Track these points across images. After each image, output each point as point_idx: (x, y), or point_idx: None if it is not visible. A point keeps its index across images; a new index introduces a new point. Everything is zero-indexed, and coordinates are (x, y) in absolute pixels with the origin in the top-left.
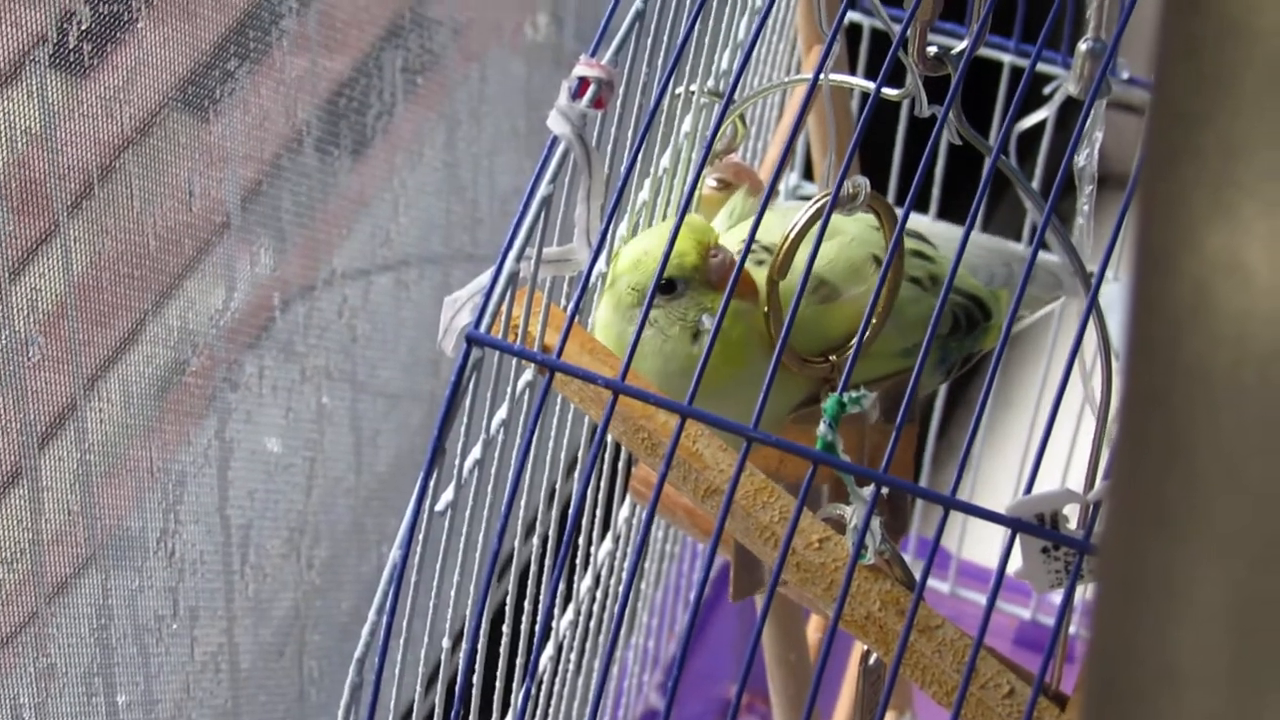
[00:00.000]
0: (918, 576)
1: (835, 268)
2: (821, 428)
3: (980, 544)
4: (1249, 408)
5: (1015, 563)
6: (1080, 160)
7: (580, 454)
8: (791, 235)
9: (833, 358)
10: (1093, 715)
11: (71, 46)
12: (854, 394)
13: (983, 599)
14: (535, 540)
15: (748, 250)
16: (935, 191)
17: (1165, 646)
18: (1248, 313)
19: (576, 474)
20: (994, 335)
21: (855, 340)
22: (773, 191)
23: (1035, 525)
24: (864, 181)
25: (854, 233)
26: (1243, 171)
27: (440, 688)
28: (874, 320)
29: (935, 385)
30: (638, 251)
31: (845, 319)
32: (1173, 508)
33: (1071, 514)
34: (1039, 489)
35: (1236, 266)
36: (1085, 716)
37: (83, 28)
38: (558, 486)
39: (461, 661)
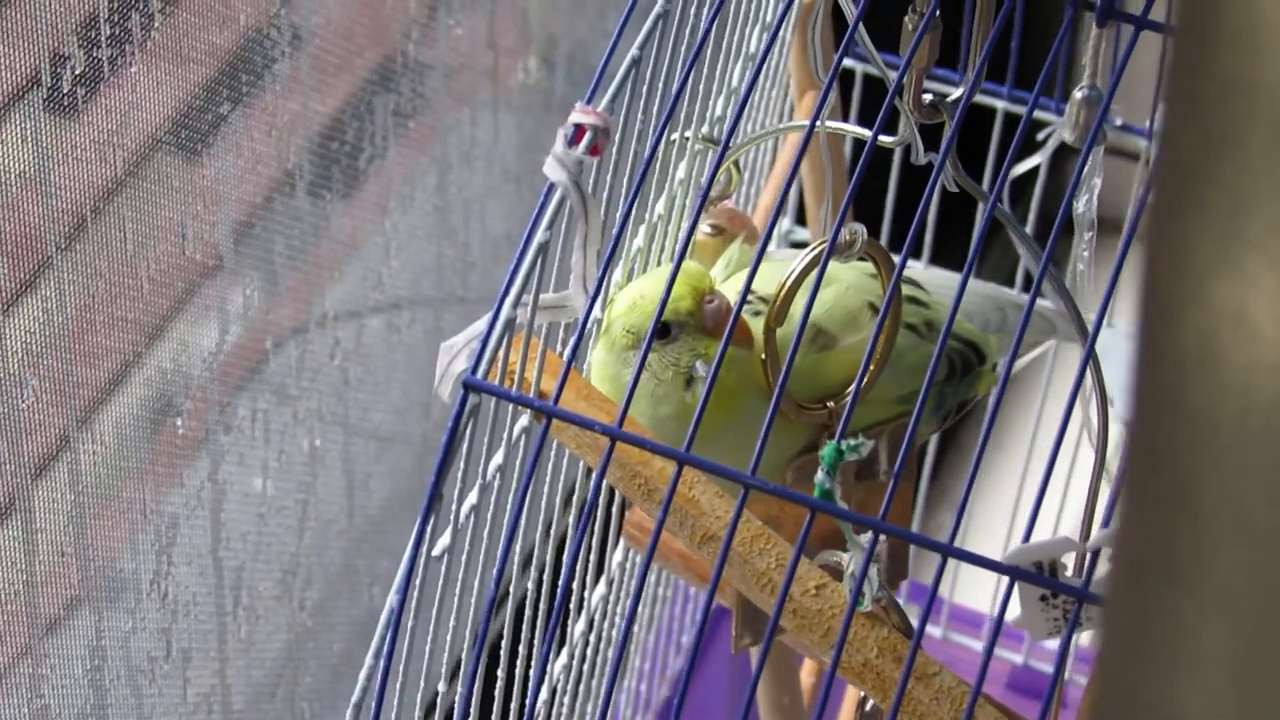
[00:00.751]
0: (914, 622)
1: (832, 315)
2: (819, 475)
3: (972, 589)
4: (1255, 457)
5: (1013, 610)
6: (1079, 206)
7: (575, 496)
8: (789, 282)
9: (830, 404)
10: None
11: (64, 89)
12: (852, 441)
13: (975, 644)
14: (530, 584)
15: (744, 297)
16: (928, 238)
17: (1172, 697)
18: (1253, 364)
19: (572, 518)
20: (988, 380)
21: (853, 387)
22: (769, 239)
23: (1033, 573)
24: (860, 229)
25: (850, 280)
26: (1249, 225)
27: None
28: (871, 367)
29: (931, 432)
30: (633, 295)
31: (842, 366)
32: (1179, 557)
33: (1069, 561)
34: (1036, 537)
35: (1243, 318)
36: None
37: (76, 71)
38: (554, 522)
39: (457, 706)
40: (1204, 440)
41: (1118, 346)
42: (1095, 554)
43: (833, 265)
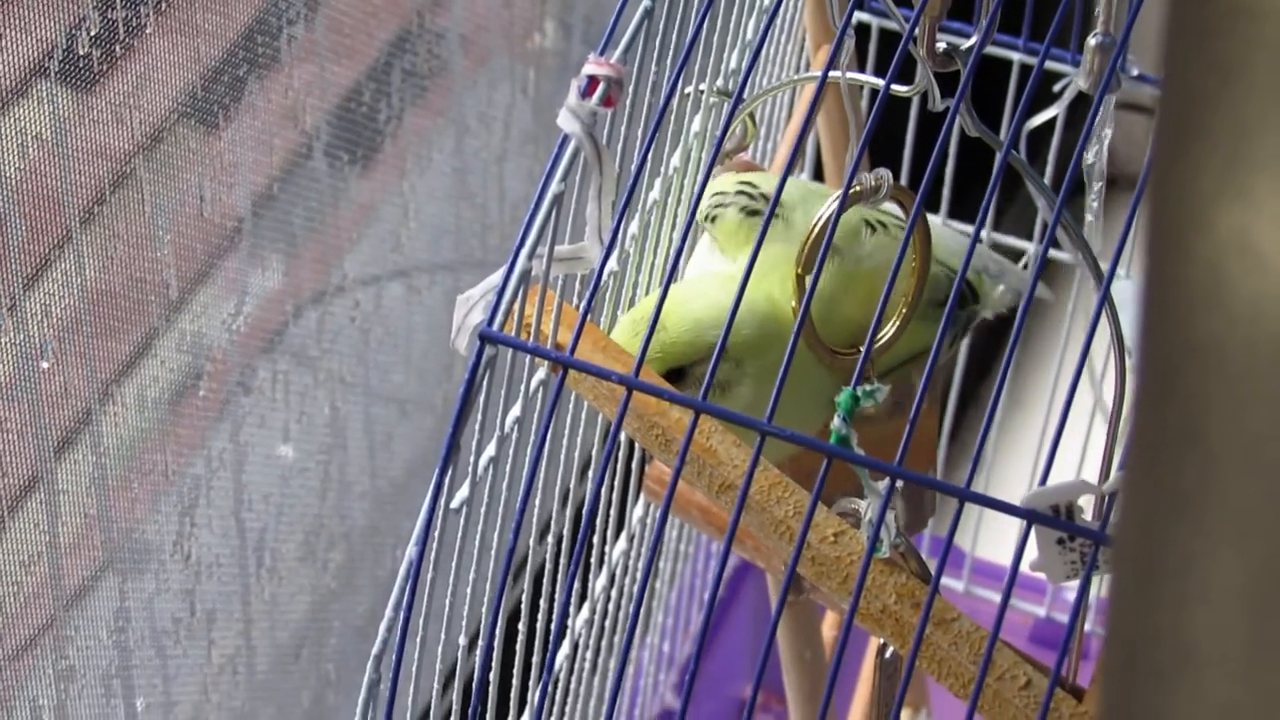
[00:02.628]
0: (933, 570)
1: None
2: (836, 421)
3: (995, 542)
4: (1264, 387)
5: (1030, 555)
6: (1089, 158)
7: (594, 452)
8: (815, 231)
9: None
10: (1112, 697)
11: (82, 55)
12: (868, 387)
13: (997, 597)
14: (550, 539)
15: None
16: (946, 191)
17: (1183, 628)
18: (1261, 294)
19: (591, 472)
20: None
21: (874, 330)
22: (781, 191)
23: (1051, 517)
24: (886, 174)
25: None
26: (1254, 152)
27: (457, 685)
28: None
29: (945, 358)
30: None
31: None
32: (1188, 489)
33: (1087, 505)
34: (1054, 480)
35: (1248, 247)
36: (1105, 698)
37: (92, 34)
38: (572, 485)
39: (478, 661)
40: (1212, 371)
41: (1133, 296)
42: (1112, 497)
43: (815, 187)
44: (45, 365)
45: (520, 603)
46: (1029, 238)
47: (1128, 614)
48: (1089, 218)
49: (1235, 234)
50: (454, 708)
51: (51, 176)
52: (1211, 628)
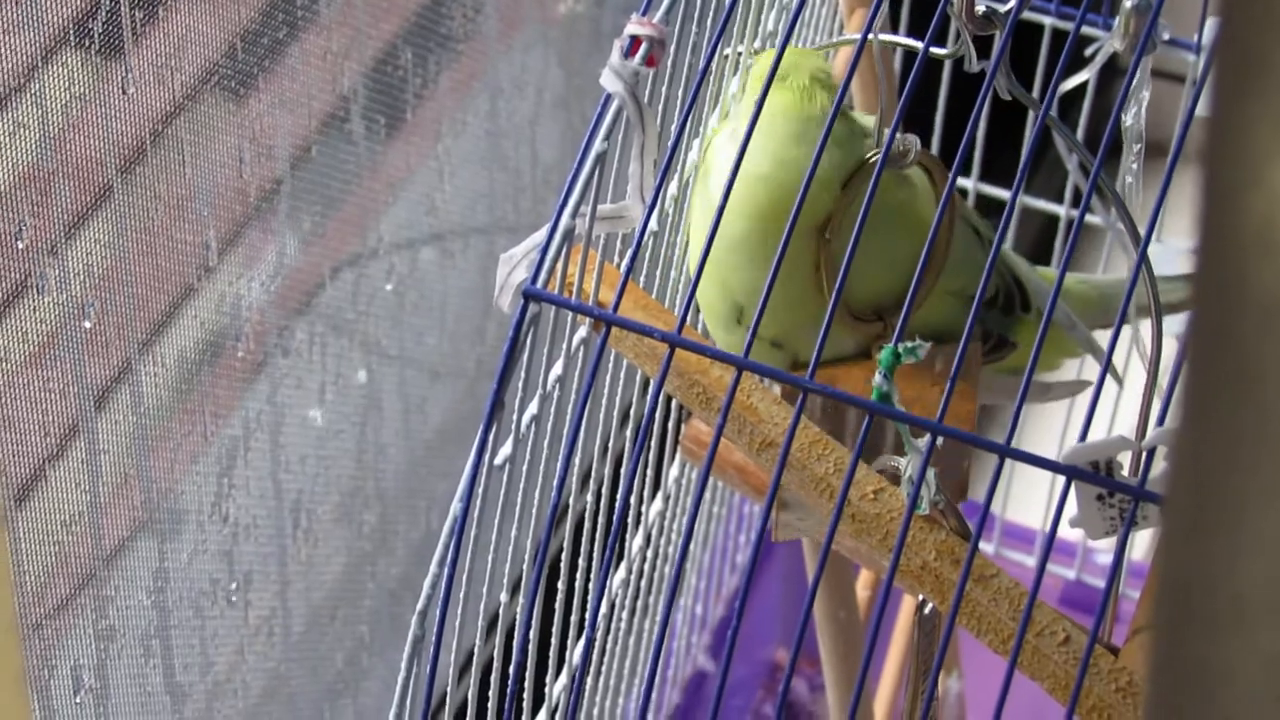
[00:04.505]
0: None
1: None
2: (877, 378)
3: (1024, 506)
4: None
5: (1069, 511)
6: (1128, 119)
7: (634, 408)
8: (844, 193)
9: (883, 319)
10: (1163, 646)
11: (123, 14)
12: (909, 344)
13: (1029, 560)
14: (589, 496)
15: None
16: (978, 154)
17: (1236, 578)
18: None
19: (630, 431)
20: (1028, 333)
21: (910, 289)
22: (821, 153)
23: (1090, 472)
24: (914, 139)
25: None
26: None
27: (499, 640)
28: (928, 275)
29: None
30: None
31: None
32: (1244, 439)
33: (1124, 461)
34: (1092, 437)
35: None
36: (1155, 648)
37: None
38: (612, 435)
39: (519, 619)
40: (1266, 323)
41: (1167, 260)
42: (1151, 453)
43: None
44: (88, 325)
45: (559, 559)
46: (1059, 199)
47: (1180, 565)
48: (1128, 179)
49: None
50: (495, 664)
51: (93, 137)
52: (1265, 578)
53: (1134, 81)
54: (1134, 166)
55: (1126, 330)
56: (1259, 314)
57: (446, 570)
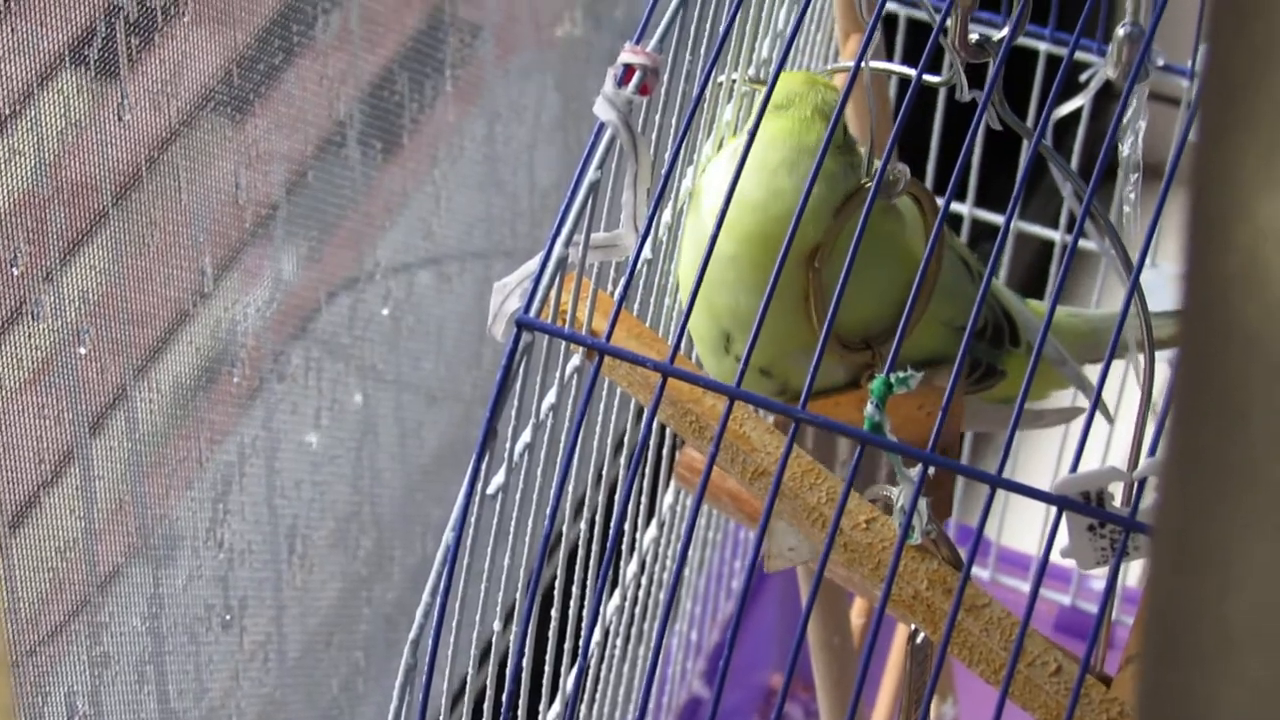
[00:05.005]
0: (963, 557)
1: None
2: (869, 408)
3: (1020, 531)
4: None
5: (1061, 541)
6: (1125, 149)
7: (626, 437)
8: (834, 222)
9: (872, 346)
10: (1151, 679)
11: (118, 40)
12: (901, 374)
13: (1023, 586)
14: (583, 525)
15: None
16: (973, 179)
17: (1225, 612)
18: None
19: (624, 458)
20: (1017, 366)
21: (901, 321)
22: (814, 181)
23: (1081, 503)
24: (904, 168)
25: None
26: None
27: (492, 667)
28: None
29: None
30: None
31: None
32: (1231, 474)
33: (1116, 492)
34: (1083, 468)
35: None
36: (1143, 681)
37: (130, 20)
38: (606, 462)
39: (512, 646)
40: (1252, 357)
41: (1160, 285)
42: (1142, 483)
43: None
44: (83, 351)
45: (552, 586)
46: (1053, 225)
47: (1168, 597)
48: (1125, 209)
49: (1274, 222)
50: (488, 692)
51: (89, 163)
52: (1253, 609)
53: (1129, 111)
54: (1131, 196)
55: (1117, 365)
56: (1244, 347)
57: (439, 599)
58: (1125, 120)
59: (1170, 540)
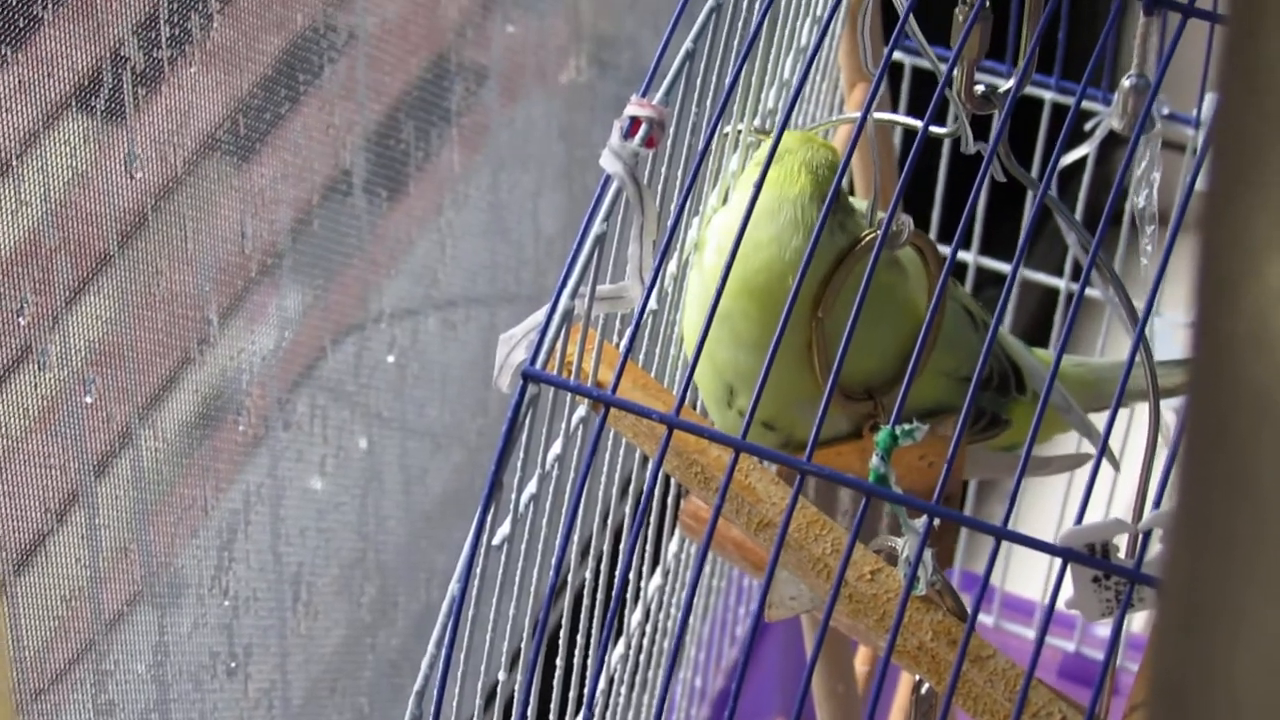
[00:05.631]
0: (968, 607)
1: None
2: (874, 460)
3: (1024, 577)
4: None
5: (1065, 592)
6: (1140, 202)
7: (632, 486)
8: (838, 274)
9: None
10: None
11: (125, 89)
12: (906, 426)
13: (1028, 633)
14: (588, 573)
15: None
16: (978, 228)
17: (1232, 676)
18: None
19: (629, 507)
20: (1023, 414)
21: (903, 370)
22: (822, 231)
23: (1086, 555)
24: (907, 219)
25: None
26: None
27: (497, 715)
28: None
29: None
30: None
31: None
32: (1238, 536)
33: (1121, 543)
34: (1088, 519)
35: None
36: None
37: (136, 71)
38: (612, 505)
39: (517, 695)
40: (1261, 418)
41: (1166, 334)
42: (1147, 535)
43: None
44: (89, 399)
45: (557, 635)
46: (1058, 273)
47: (1176, 659)
48: (1143, 260)
49: None
50: None
51: (95, 212)
52: (1262, 675)
53: (1142, 163)
54: (1148, 248)
55: (1123, 414)
56: (1254, 410)
57: (444, 651)
58: (1138, 174)
59: (1178, 602)
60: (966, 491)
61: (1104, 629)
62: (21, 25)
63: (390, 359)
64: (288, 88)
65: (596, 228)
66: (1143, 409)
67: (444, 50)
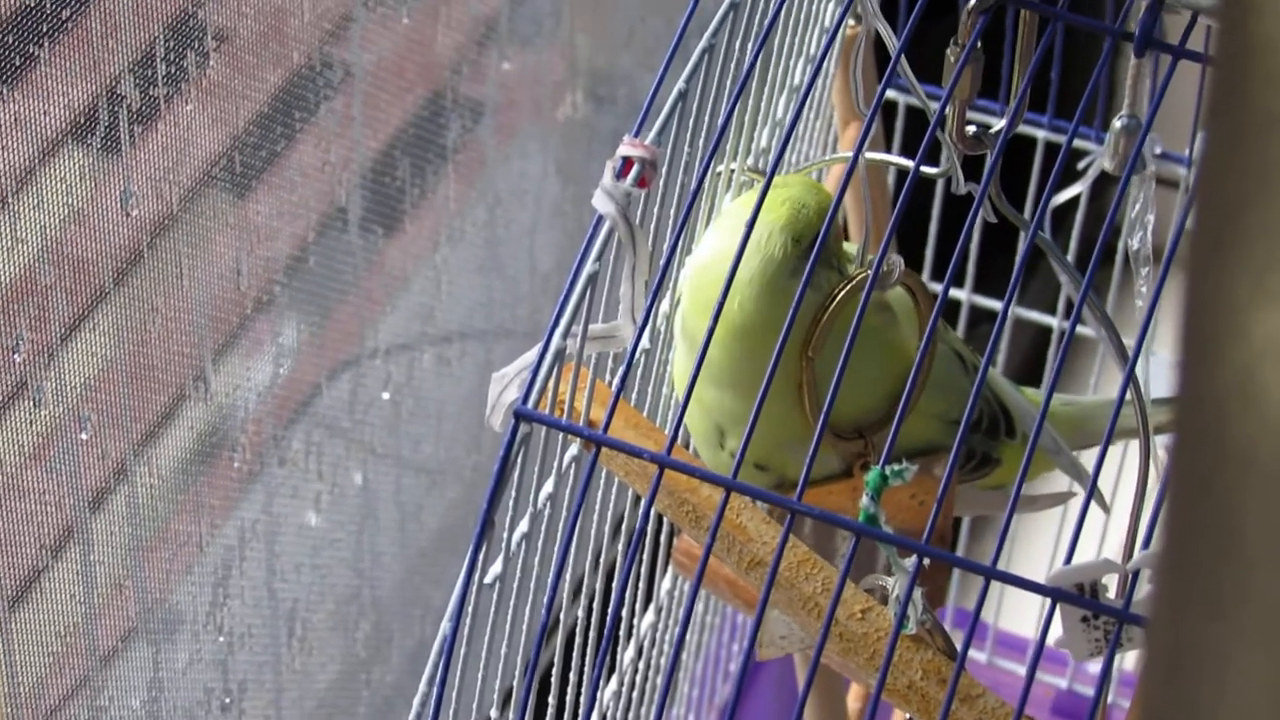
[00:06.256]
0: (958, 646)
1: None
2: (864, 500)
3: (1017, 614)
4: None
5: (1055, 632)
6: (1134, 243)
7: (624, 524)
8: (825, 317)
9: (865, 434)
10: None
11: (120, 125)
12: (896, 467)
13: (1021, 669)
14: (580, 611)
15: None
16: (970, 267)
17: None
18: None
19: (621, 545)
20: (1012, 457)
21: (892, 409)
22: (813, 269)
23: (1075, 595)
24: (898, 259)
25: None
26: None
27: None
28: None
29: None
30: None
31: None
32: (1223, 591)
33: (1109, 582)
34: (1078, 559)
35: None
36: None
37: (132, 108)
38: (603, 551)
39: None
40: (1246, 473)
41: (1159, 373)
42: (1136, 575)
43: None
44: (84, 436)
45: (550, 672)
46: (1051, 311)
47: (1162, 707)
48: (1138, 302)
49: (1270, 340)
50: None
51: (90, 249)
52: None
53: (1136, 205)
54: (1143, 290)
55: (1115, 452)
56: (1238, 465)
57: (436, 689)
58: (1132, 216)
59: (1164, 651)
60: (960, 529)
61: (1097, 664)
62: (18, 63)
63: (386, 395)
64: (283, 124)
65: (589, 267)
66: (1135, 446)
67: (440, 87)
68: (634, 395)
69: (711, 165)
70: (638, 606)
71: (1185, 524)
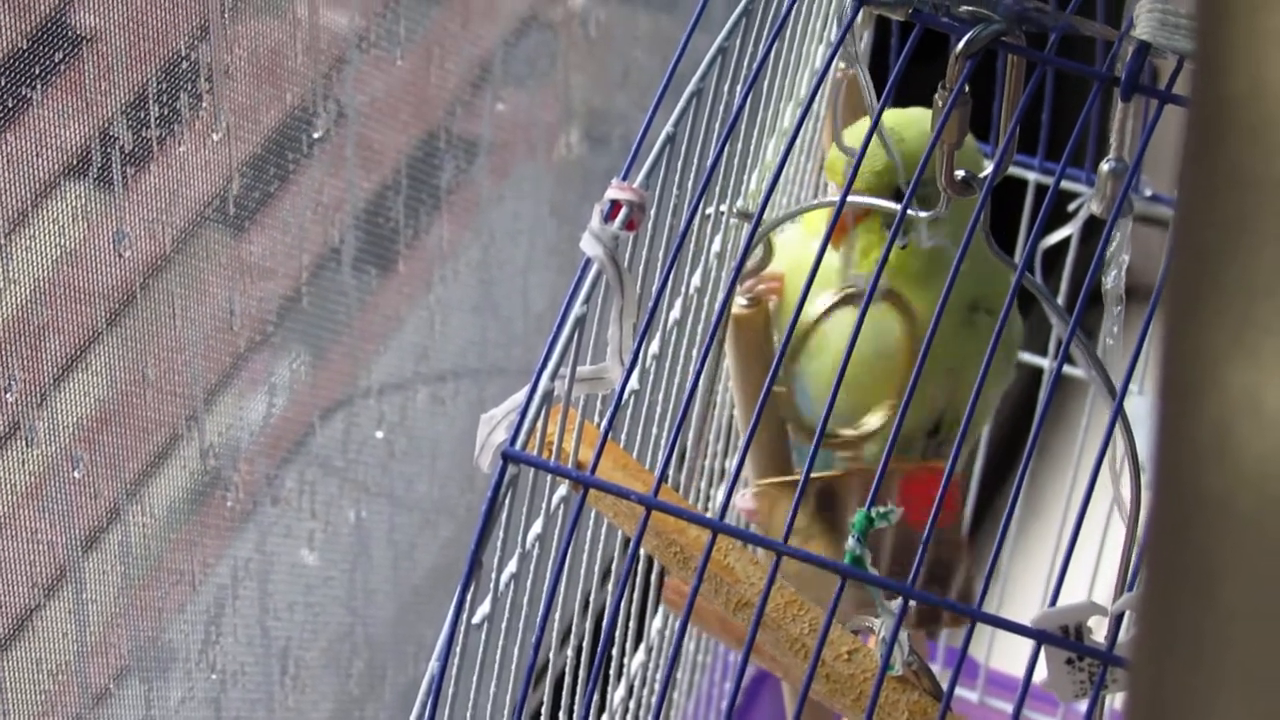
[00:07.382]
0: (945, 687)
1: None
2: (850, 542)
3: (1009, 653)
4: (1273, 546)
5: (1041, 673)
6: (1108, 282)
7: (614, 563)
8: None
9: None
10: None
11: (114, 166)
12: (882, 510)
13: (1011, 708)
14: (570, 651)
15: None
16: None
17: None
18: (1268, 455)
19: (610, 585)
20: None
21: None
22: (798, 317)
23: (1060, 637)
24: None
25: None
26: (1264, 312)
27: None
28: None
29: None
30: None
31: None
32: (1202, 641)
33: (1096, 624)
34: (1065, 599)
35: (1258, 407)
36: None
37: (125, 150)
38: (592, 595)
39: None
40: (1224, 526)
41: (1147, 413)
42: (1121, 617)
43: None
44: (77, 475)
45: (539, 712)
46: (1043, 353)
47: None
48: (1109, 341)
49: (1246, 394)
50: None
51: (83, 290)
52: None
53: (1111, 246)
54: (1115, 329)
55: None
56: (1216, 516)
57: None
58: (1109, 255)
59: (1146, 700)
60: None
61: (1084, 704)
62: (11, 105)
63: (379, 434)
64: (277, 165)
65: (576, 310)
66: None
67: (434, 127)
68: (622, 436)
69: (700, 207)
70: (628, 646)
71: (1165, 573)
